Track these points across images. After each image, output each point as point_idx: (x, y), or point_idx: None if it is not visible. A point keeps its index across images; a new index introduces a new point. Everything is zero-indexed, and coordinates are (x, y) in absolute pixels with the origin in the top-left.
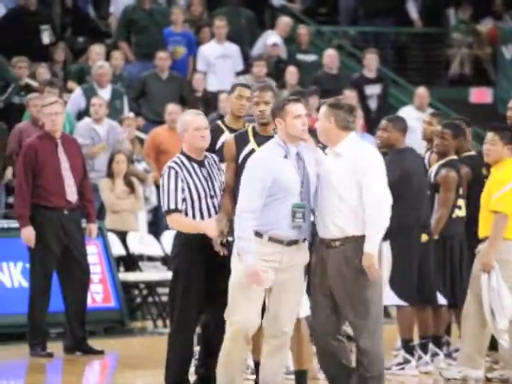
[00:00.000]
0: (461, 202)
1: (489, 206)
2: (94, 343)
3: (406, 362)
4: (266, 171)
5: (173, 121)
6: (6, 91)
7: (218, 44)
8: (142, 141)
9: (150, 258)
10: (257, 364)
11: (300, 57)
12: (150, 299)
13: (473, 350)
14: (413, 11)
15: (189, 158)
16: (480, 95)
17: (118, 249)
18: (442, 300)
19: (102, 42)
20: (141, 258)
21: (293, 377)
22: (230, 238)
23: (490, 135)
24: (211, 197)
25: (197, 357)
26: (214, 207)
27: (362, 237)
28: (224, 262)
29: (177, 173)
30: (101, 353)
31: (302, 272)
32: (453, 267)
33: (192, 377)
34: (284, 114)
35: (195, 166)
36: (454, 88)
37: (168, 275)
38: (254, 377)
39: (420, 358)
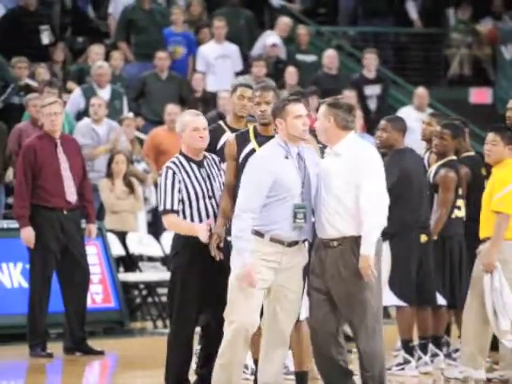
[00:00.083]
0: (460, 203)
1: (490, 206)
2: (93, 344)
3: (406, 362)
4: (266, 171)
5: (172, 121)
6: (6, 91)
7: (217, 44)
8: (141, 141)
9: (150, 259)
10: (257, 362)
11: (299, 57)
12: (150, 300)
13: (474, 350)
14: (412, 11)
15: (187, 159)
16: (479, 95)
17: (117, 249)
18: (441, 300)
19: (102, 43)
20: (140, 258)
21: (292, 377)
22: (228, 238)
23: (491, 136)
24: (209, 197)
25: (197, 357)
26: (213, 208)
27: (360, 237)
28: (223, 261)
29: (174, 173)
30: (101, 353)
31: (301, 272)
32: (452, 268)
33: (192, 377)
34: (285, 115)
35: (194, 166)
36: (453, 88)
37: (168, 275)
38: (253, 377)
39: (420, 358)
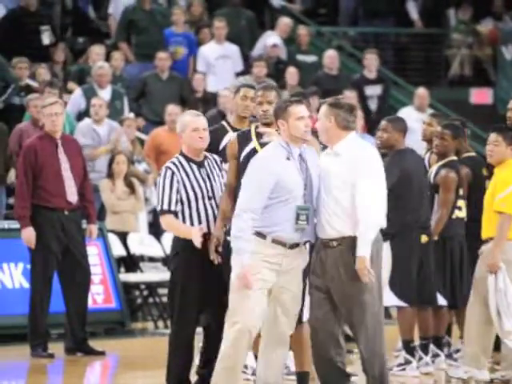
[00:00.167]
0: (461, 203)
1: (493, 206)
2: (94, 344)
3: (407, 362)
4: (268, 172)
5: (173, 121)
6: (6, 92)
7: (217, 45)
8: (142, 141)
9: (151, 259)
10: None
11: (300, 57)
12: (151, 300)
13: (477, 350)
14: (413, 12)
15: (187, 159)
16: (480, 96)
17: (118, 249)
18: (441, 301)
19: (102, 43)
20: (141, 258)
21: (293, 377)
22: (228, 238)
23: (493, 136)
24: (209, 198)
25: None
26: (212, 208)
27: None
28: (224, 262)
29: (173, 173)
30: (102, 354)
31: (301, 274)
32: (453, 268)
33: (193, 377)
34: (287, 116)
35: (194, 166)
36: (454, 89)
37: (168, 276)
38: (254, 377)
39: (421, 358)
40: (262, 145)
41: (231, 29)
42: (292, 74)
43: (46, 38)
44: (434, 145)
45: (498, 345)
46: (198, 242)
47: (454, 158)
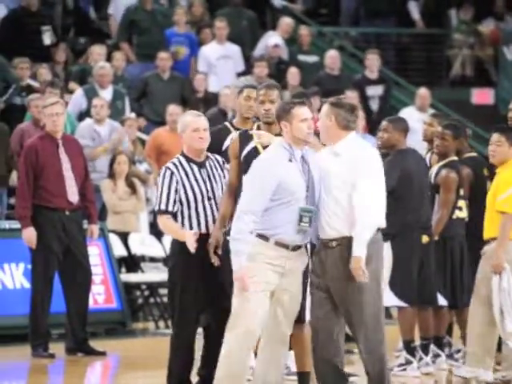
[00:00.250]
0: (461, 203)
1: (495, 206)
2: (95, 344)
3: (408, 363)
4: (270, 174)
5: (174, 122)
6: (7, 92)
7: (218, 45)
8: (143, 142)
9: (152, 259)
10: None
11: (301, 58)
12: (152, 300)
13: (481, 350)
14: (414, 12)
15: (188, 159)
16: (481, 96)
17: (119, 250)
18: (442, 301)
19: (104, 43)
20: (142, 258)
21: (294, 378)
22: (228, 237)
23: (495, 136)
24: (209, 198)
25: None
26: (212, 209)
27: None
28: (223, 262)
29: (172, 174)
30: (102, 354)
31: (301, 276)
32: (453, 268)
33: (194, 378)
34: (290, 118)
35: (194, 167)
36: (455, 89)
37: None
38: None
39: (421, 359)
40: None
41: (232, 29)
42: (293, 75)
43: (47, 38)
44: (435, 145)
45: (498, 345)
46: (191, 246)
47: (455, 158)
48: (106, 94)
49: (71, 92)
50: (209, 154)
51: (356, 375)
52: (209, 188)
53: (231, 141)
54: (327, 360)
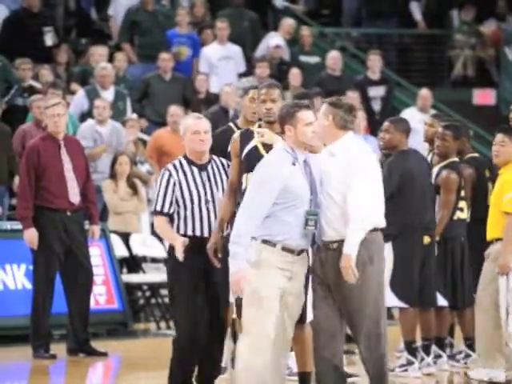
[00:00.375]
0: (462, 204)
1: (500, 207)
2: (97, 345)
3: (409, 363)
4: (274, 177)
5: (175, 123)
6: (9, 93)
7: (220, 45)
8: (145, 142)
9: (153, 260)
10: None
11: (303, 58)
12: (153, 301)
13: (492, 349)
14: (416, 12)
15: (189, 161)
16: (483, 97)
17: (120, 250)
18: (442, 301)
19: (105, 44)
20: (144, 259)
21: (295, 378)
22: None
23: (499, 136)
24: (206, 201)
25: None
26: (208, 212)
27: None
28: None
29: (170, 175)
30: (104, 354)
31: (304, 279)
32: (454, 269)
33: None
34: (295, 122)
35: (194, 169)
36: (457, 89)
37: None
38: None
39: (423, 359)
40: (264, 144)
41: (234, 30)
42: (295, 75)
43: (49, 39)
44: (435, 146)
45: None
46: (180, 254)
47: (456, 159)
48: (108, 94)
49: (73, 93)
50: (214, 157)
51: (357, 376)
52: (207, 191)
53: (232, 140)
54: (328, 360)
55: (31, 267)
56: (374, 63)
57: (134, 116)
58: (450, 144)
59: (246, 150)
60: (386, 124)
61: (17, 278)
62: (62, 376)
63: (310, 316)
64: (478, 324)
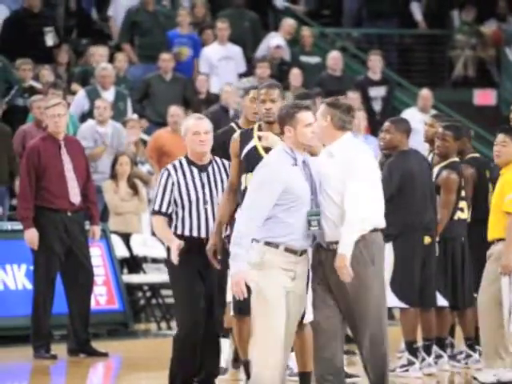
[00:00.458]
0: (463, 204)
1: (502, 207)
2: (97, 345)
3: (410, 363)
4: (275, 179)
5: (175, 123)
6: (10, 93)
7: (220, 46)
8: (145, 143)
9: (154, 260)
10: (246, 363)
11: (304, 59)
12: (154, 301)
13: (498, 349)
14: (417, 13)
15: (189, 162)
16: (484, 97)
17: (121, 251)
18: (442, 301)
19: (106, 44)
20: (144, 259)
21: (296, 378)
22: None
23: (500, 137)
24: (205, 202)
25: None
26: (206, 213)
27: (358, 239)
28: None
29: (169, 175)
30: (105, 355)
31: (306, 278)
32: (454, 269)
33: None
34: (294, 123)
35: (194, 170)
36: (457, 90)
37: None
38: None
39: (423, 359)
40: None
41: (234, 30)
42: (296, 76)
43: (50, 40)
44: (436, 146)
45: None
46: (175, 258)
47: (456, 159)
48: (108, 95)
49: (73, 93)
50: (215, 158)
51: (357, 376)
52: (206, 192)
53: (232, 140)
54: (328, 360)
55: (32, 267)
56: (375, 63)
57: (135, 116)
58: (451, 144)
59: (245, 151)
60: (386, 124)
61: (17, 278)
62: (62, 376)
63: (310, 316)
64: (481, 325)
